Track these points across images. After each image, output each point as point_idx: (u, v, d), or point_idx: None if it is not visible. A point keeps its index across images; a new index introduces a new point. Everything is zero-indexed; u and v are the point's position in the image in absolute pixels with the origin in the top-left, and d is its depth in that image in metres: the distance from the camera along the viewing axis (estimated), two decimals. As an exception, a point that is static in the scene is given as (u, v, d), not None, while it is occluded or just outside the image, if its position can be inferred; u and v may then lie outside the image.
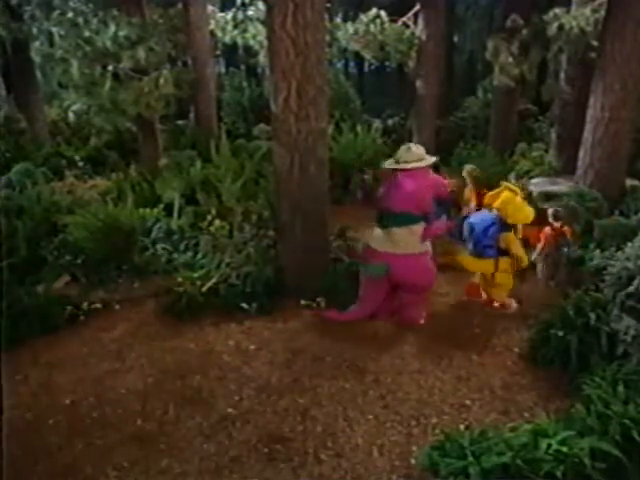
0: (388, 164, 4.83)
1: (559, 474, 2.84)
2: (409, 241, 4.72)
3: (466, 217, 5.51)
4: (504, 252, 5.04)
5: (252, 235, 5.78)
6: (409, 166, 4.64)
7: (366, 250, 5.00)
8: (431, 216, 4.80)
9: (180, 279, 5.32)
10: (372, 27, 9.81)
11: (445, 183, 5.01)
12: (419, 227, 4.71)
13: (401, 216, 4.66)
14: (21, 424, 3.84)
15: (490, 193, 5.23)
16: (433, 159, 4.80)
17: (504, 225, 4.96)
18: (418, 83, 10.28)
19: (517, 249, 5.03)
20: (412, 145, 4.81)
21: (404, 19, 10.17)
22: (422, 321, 5.02)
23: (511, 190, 5.05)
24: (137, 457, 3.51)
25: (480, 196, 6.16)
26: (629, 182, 7.55)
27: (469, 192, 6.70)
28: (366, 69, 22.96)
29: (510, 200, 4.95)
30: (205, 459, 3.47)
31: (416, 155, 4.67)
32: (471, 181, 6.73)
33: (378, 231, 4.89)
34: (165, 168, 8.20)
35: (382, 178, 5.66)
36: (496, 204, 5.00)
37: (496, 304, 5.29)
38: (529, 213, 5.02)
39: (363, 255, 5.06)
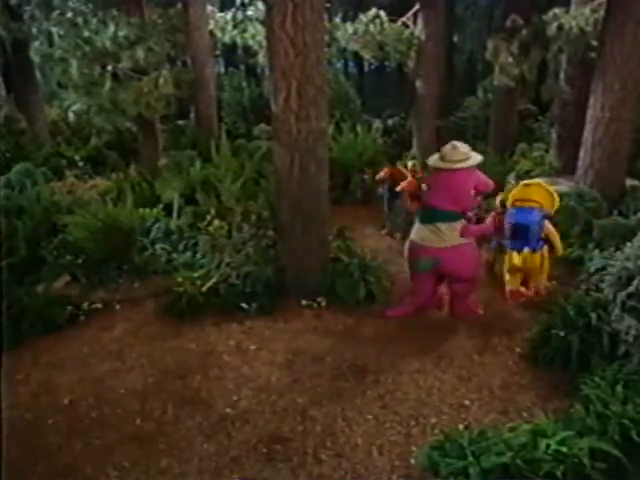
0: (433, 162, 4.84)
1: (559, 474, 2.84)
2: (453, 234, 4.82)
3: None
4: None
5: (251, 235, 5.78)
6: (455, 166, 4.67)
7: (412, 246, 5.04)
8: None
9: (180, 279, 5.32)
10: (371, 27, 9.81)
11: (488, 181, 4.94)
12: (459, 224, 4.85)
13: (445, 213, 4.77)
14: (21, 424, 3.84)
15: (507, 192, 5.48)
16: (480, 158, 4.82)
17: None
18: (418, 83, 10.28)
19: (556, 236, 5.31)
20: (458, 144, 4.79)
21: (403, 19, 10.17)
22: (481, 311, 5.10)
23: (534, 184, 5.34)
24: (137, 457, 3.51)
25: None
26: (629, 182, 7.55)
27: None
28: (366, 69, 22.97)
29: (546, 192, 5.30)
30: (205, 459, 3.47)
31: (462, 154, 4.70)
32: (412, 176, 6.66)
33: (420, 226, 4.96)
34: (165, 168, 8.21)
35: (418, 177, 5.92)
36: (537, 198, 5.21)
37: (541, 291, 5.40)
38: (557, 197, 5.37)
39: (410, 251, 5.08)
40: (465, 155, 4.71)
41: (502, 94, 10.20)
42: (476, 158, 4.78)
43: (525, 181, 5.47)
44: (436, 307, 5.25)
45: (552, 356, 4.13)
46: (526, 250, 5.10)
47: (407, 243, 5.17)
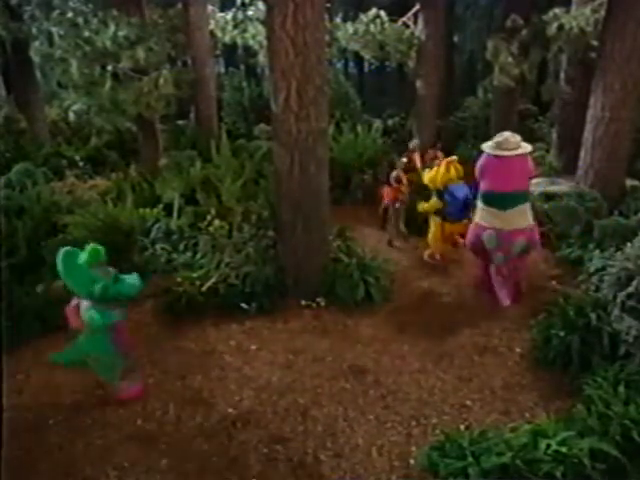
0: (489, 148, 5.10)
1: (558, 474, 2.84)
2: (530, 213, 5.23)
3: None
4: None
5: (251, 235, 5.77)
6: (525, 151, 5.05)
7: (498, 234, 5.06)
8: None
9: (179, 279, 5.32)
10: (372, 27, 9.79)
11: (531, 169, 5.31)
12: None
13: (524, 195, 5.14)
14: (22, 424, 3.83)
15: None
16: (529, 147, 5.17)
17: None
18: (418, 83, 10.27)
19: None
20: (508, 134, 5.10)
21: (404, 19, 10.16)
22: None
23: (449, 162, 6.04)
24: (137, 457, 3.51)
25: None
26: (629, 182, 7.55)
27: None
28: (366, 69, 22.94)
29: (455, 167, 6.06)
30: (205, 459, 3.47)
31: (516, 143, 5.04)
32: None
33: (502, 213, 5.06)
34: (165, 168, 8.19)
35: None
36: (455, 174, 6.00)
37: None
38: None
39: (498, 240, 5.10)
40: (519, 144, 5.07)
41: (502, 94, 10.18)
42: (527, 147, 5.15)
43: (447, 159, 6.09)
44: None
45: (553, 356, 4.13)
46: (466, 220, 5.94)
47: (488, 233, 5.10)
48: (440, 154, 7.55)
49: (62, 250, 3.69)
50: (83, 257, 3.62)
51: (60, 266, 3.67)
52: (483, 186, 5.22)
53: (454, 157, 6.23)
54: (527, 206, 5.16)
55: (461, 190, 5.96)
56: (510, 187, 5.03)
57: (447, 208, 6.02)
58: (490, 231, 5.06)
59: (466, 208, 6.01)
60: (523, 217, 5.10)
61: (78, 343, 3.88)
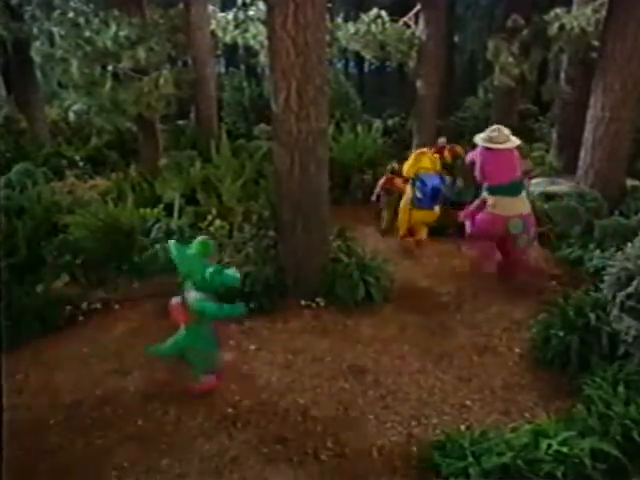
0: (486, 142, 5.43)
1: (559, 474, 2.84)
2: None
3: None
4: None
5: (252, 235, 5.77)
6: (513, 144, 5.44)
7: (494, 218, 5.48)
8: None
9: (179, 279, 5.31)
10: (373, 27, 9.79)
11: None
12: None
13: (521, 184, 5.55)
14: (21, 424, 3.83)
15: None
16: (518, 141, 5.53)
17: None
18: (418, 83, 10.27)
19: None
20: (500, 127, 5.51)
21: (405, 19, 10.16)
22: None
23: (424, 153, 6.53)
24: (137, 457, 3.51)
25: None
26: (629, 182, 7.55)
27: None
28: (366, 69, 22.94)
29: (431, 158, 6.55)
30: (205, 459, 3.47)
31: (507, 136, 5.44)
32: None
33: (505, 199, 5.43)
34: (165, 168, 8.19)
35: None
36: (430, 165, 6.40)
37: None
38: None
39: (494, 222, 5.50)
40: (509, 137, 5.47)
41: (503, 94, 10.19)
42: (516, 141, 5.50)
43: (416, 151, 6.63)
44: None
45: (552, 356, 4.13)
46: (437, 208, 6.42)
47: (485, 219, 5.54)
48: (459, 148, 7.95)
49: (171, 243, 3.88)
50: (194, 248, 3.80)
51: (174, 257, 3.83)
52: (490, 179, 5.49)
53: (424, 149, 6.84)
54: (524, 194, 5.62)
55: (431, 179, 6.33)
56: (514, 175, 5.42)
57: (416, 195, 6.43)
58: (516, 219, 5.39)
59: (434, 197, 6.36)
60: (523, 203, 5.53)
61: (179, 336, 3.96)
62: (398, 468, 3.33)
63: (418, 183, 6.37)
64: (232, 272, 3.88)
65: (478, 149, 5.56)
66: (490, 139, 5.40)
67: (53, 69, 7.71)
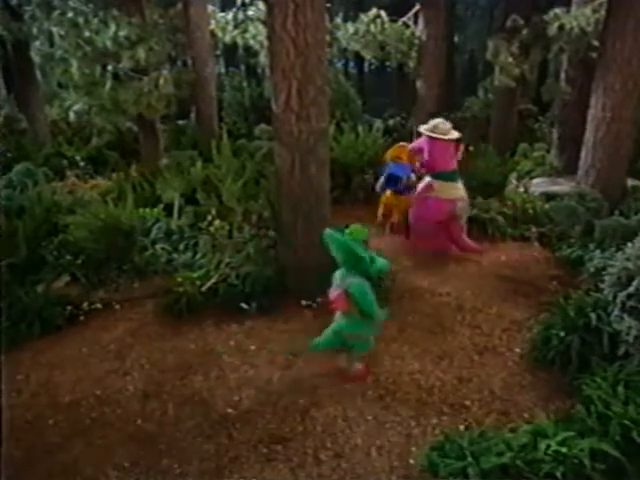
0: (427, 131, 6.00)
1: (558, 475, 2.83)
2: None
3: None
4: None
5: (252, 235, 5.77)
6: (454, 136, 6.00)
7: (439, 203, 6.10)
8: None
9: (180, 279, 5.32)
10: (372, 27, 9.79)
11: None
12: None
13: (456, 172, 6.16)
14: (21, 424, 3.84)
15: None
16: (457, 135, 6.07)
17: None
18: (419, 83, 10.28)
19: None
20: (440, 120, 6.07)
21: (404, 19, 10.16)
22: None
23: (404, 147, 6.78)
24: (137, 457, 3.51)
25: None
26: (630, 182, 7.54)
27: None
28: (366, 69, 22.95)
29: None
30: (205, 459, 3.48)
31: (449, 128, 6.00)
32: None
33: (446, 184, 6.08)
34: (166, 168, 8.19)
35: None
36: (404, 157, 6.66)
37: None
38: None
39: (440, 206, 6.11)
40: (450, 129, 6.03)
41: (503, 94, 10.19)
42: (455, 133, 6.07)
43: (399, 144, 6.91)
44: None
45: (552, 357, 4.12)
46: (389, 191, 6.85)
47: (460, 204, 6.12)
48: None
49: (327, 231, 3.93)
50: (349, 235, 3.89)
51: (331, 245, 3.90)
52: (437, 166, 6.10)
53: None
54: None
55: (394, 168, 6.70)
56: (454, 164, 6.08)
57: (380, 180, 7.00)
58: (461, 202, 6.12)
59: (388, 183, 6.83)
60: (463, 188, 6.21)
61: (339, 325, 4.01)
62: (397, 468, 3.33)
63: (384, 169, 6.92)
64: (382, 258, 4.01)
65: (422, 138, 6.19)
66: (436, 129, 5.94)
67: (53, 69, 7.72)
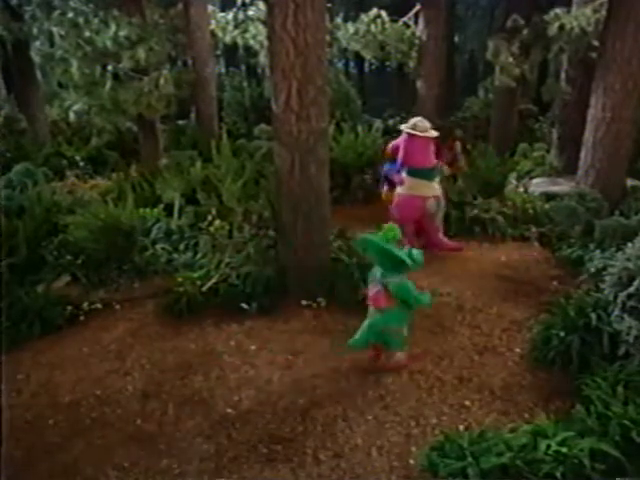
0: (407, 128, 6.20)
1: (558, 475, 2.83)
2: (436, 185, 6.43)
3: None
4: None
5: (252, 235, 5.77)
6: (432, 135, 6.19)
7: (410, 199, 6.32)
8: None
9: (180, 279, 5.32)
10: (373, 27, 9.80)
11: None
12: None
13: (434, 169, 6.34)
14: (21, 424, 3.84)
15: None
16: (435, 134, 6.29)
17: None
18: (419, 83, 10.29)
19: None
20: (423, 119, 6.27)
21: (405, 19, 10.17)
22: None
23: None
24: (137, 457, 3.51)
25: None
26: (630, 182, 7.54)
27: None
28: (367, 69, 22.95)
29: None
30: (205, 459, 3.47)
31: (427, 127, 6.21)
32: None
33: (419, 182, 6.27)
34: (166, 168, 8.20)
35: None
36: None
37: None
38: None
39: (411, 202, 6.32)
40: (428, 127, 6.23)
41: (503, 94, 10.20)
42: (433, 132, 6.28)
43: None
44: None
45: (552, 357, 4.12)
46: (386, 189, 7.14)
47: (432, 201, 6.28)
48: (457, 144, 8.19)
49: (361, 237, 4.13)
50: (383, 235, 3.97)
51: (366, 248, 4.10)
52: (412, 161, 6.26)
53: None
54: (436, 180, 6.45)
55: (387, 166, 7.10)
56: (430, 162, 6.25)
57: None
58: (432, 199, 6.27)
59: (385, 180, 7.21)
60: (438, 187, 6.41)
61: (375, 321, 4.10)
62: (397, 468, 3.33)
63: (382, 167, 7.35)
64: (418, 252, 4.08)
65: (403, 136, 6.33)
66: (415, 127, 6.16)
67: (53, 69, 7.73)
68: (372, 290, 4.07)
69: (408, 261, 3.89)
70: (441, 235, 6.51)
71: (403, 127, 6.33)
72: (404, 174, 6.37)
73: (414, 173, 6.24)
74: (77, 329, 5.07)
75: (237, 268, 5.41)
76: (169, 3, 11.83)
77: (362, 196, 8.72)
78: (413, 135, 6.16)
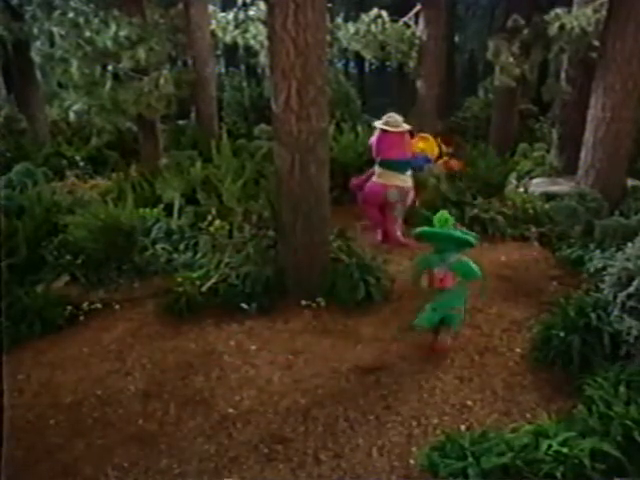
0: (381, 125, 6.65)
1: (559, 475, 2.83)
2: (409, 177, 6.84)
3: None
4: None
5: (252, 235, 5.77)
6: (404, 129, 6.68)
7: (376, 187, 6.76)
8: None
9: (180, 279, 5.32)
10: (373, 27, 9.80)
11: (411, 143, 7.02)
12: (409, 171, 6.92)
13: (406, 162, 6.74)
14: (22, 424, 3.84)
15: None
16: (408, 127, 6.79)
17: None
18: (419, 83, 10.28)
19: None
20: (393, 114, 6.72)
21: (405, 19, 10.17)
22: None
23: (423, 137, 7.79)
24: (137, 457, 3.51)
25: None
26: (630, 182, 7.54)
27: None
28: (367, 69, 22.94)
29: (428, 142, 7.78)
30: (205, 459, 3.47)
31: (400, 122, 6.67)
32: None
33: (387, 172, 6.69)
34: (165, 168, 8.19)
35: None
36: (423, 146, 7.58)
37: None
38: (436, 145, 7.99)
39: (377, 189, 6.75)
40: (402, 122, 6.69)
41: (503, 94, 10.21)
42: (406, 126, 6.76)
43: (420, 135, 7.82)
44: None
45: (553, 357, 4.12)
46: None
47: (393, 191, 6.67)
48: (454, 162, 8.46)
49: (421, 230, 4.43)
50: (438, 222, 4.30)
51: (432, 239, 4.40)
52: (381, 154, 6.70)
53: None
54: (408, 173, 6.82)
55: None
56: (401, 154, 6.64)
57: None
58: (393, 188, 6.63)
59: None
60: (409, 179, 6.80)
61: (442, 301, 4.35)
62: (397, 468, 3.33)
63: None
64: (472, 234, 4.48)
65: (377, 132, 6.77)
66: (386, 123, 6.59)
67: (53, 69, 7.72)
68: (439, 272, 4.27)
69: (472, 240, 4.25)
70: (397, 228, 6.81)
71: (376, 124, 6.79)
72: (376, 166, 6.85)
73: (384, 164, 6.70)
74: (77, 329, 5.07)
75: (237, 268, 5.41)
76: (169, 3, 11.82)
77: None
78: (385, 130, 6.59)
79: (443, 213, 4.33)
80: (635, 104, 6.87)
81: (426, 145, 7.97)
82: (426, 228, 4.38)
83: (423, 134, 7.90)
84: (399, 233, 6.83)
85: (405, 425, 3.69)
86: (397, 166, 6.64)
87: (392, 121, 6.60)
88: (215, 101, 11.34)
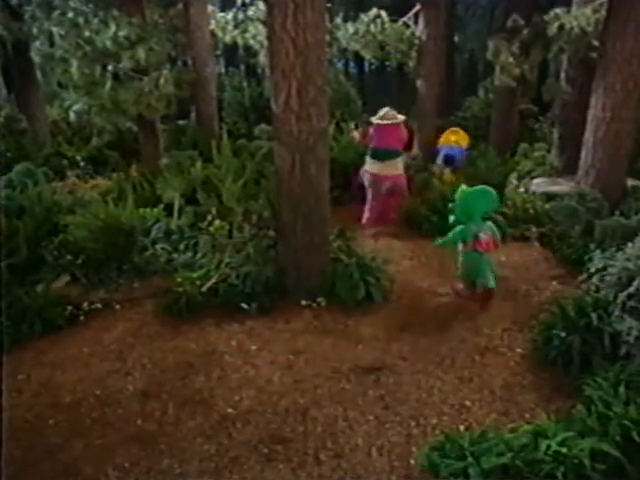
0: (378, 120, 7.26)
1: (559, 475, 2.83)
2: (400, 166, 7.51)
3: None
4: None
5: (252, 235, 5.77)
6: (397, 120, 7.27)
7: (374, 177, 7.39)
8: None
9: (179, 279, 5.32)
10: (372, 27, 9.79)
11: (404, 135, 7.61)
12: (402, 159, 7.62)
13: (397, 152, 7.36)
14: (22, 424, 3.84)
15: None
16: (401, 117, 7.37)
17: None
18: (419, 83, 10.27)
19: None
20: (388, 109, 7.33)
21: (405, 19, 10.16)
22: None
23: (454, 131, 9.34)
24: (137, 457, 3.51)
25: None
26: (630, 182, 7.53)
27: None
28: (367, 69, 22.93)
29: (460, 135, 9.30)
30: (205, 459, 3.48)
31: (394, 115, 7.28)
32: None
33: (378, 163, 7.32)
34: (166, 168, 8.19)
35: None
36: (456, 139, 9.18)
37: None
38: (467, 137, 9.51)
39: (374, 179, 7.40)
40: (396, 115, 7.31)
41: (503, 94, 10.18)
42: (401, 117, 7.37)
43: (451, 129, 9.31)
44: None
45: (553, 357, 4.12)
46: (447, 169, 8.89)
47: (367, 176, 7.43)
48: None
49: (454, 217, 5.20)
50: (468, 194, 5.08)
51: (469, 215, 5.07)
52: (374, 143, 7.30)
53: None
54: (399, 160, 7.41)
55: (446, 150, 9.15)
56: (391, 144, 7.25)
57: (436, 161, 9.19)
58: (368, 175, 7.37)
59: (446, 162, 9.02)
60: (393, 168, 7.32)
61: (490, 261, 5.21)
62: (397, 468, 3.33)
63: (437, 152, 9.14)
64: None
65: (374, 126, 7.35)
66: (381, 117, 7.21)
67: (53, 69, 7.72)
68: (485, 239, 4.97)
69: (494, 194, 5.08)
70: (366, 211, 7.51)
71: (373, 119, 7.33)
72: (367, 156, 7.48)
73: (372, 153, 7.33)
74: (77, 329, 5.07)
75: (237, 268, 5.41)
76: (169, 3, 11.81)
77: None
78: (379, 124, 7.23)
79: (464, 187, 5.09)
80: (635, 104, 6.86)
81: (458, 137, 9.12)
82: (457, 213, 5.09)
83: (454, 128, 9.06)
84: (366, 215, 7.50)
85: (404, 425, 3.70)
86: (383, 155, 7.22)
87: (389, 115, 7.19)
88: (215, 101, 11.33)
